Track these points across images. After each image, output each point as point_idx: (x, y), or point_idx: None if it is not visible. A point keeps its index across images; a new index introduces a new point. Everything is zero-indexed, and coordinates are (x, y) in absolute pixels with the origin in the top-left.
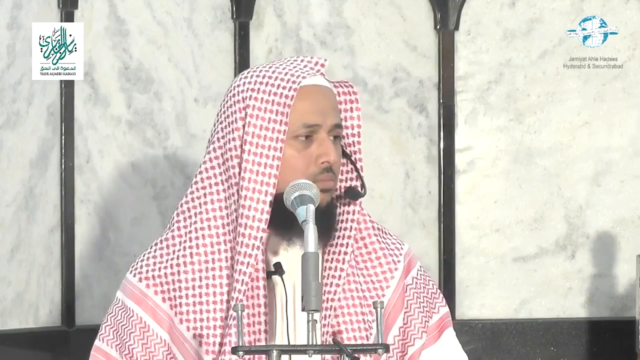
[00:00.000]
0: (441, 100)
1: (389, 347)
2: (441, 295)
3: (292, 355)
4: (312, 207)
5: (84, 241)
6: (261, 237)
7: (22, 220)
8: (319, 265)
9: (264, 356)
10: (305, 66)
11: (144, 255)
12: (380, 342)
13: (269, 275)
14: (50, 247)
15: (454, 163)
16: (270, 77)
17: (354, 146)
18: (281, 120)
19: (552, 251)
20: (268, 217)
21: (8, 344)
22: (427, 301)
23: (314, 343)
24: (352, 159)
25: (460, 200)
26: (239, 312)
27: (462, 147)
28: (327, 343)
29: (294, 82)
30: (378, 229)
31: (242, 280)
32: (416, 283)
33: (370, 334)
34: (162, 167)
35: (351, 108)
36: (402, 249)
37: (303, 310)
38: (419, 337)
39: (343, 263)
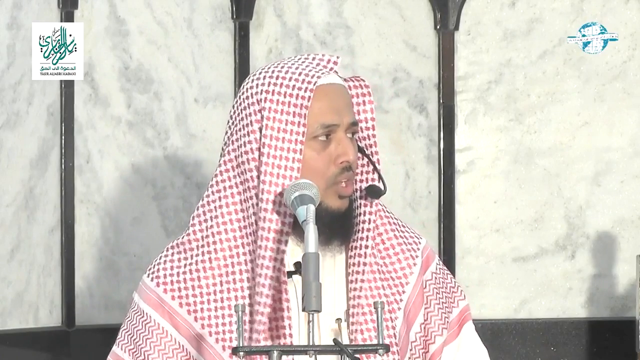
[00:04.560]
0: (441, 100)
1: (389, 348)
2: (460, 288)
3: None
4: (312, 207)
5: (84, 241)
6: (285, 241)
7: (22, 220)
8: (321, 265)
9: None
10: (318, 64)
11: (160, 258)
12: (380, 343)
13: (288, 275)
14: (50, 247)
15: (454, 163)
16: (284, 78)
17: (369, 139)
18: (299, 122)
19: (552, 251)
20: (292, 220)
21: (8, 344)
22: (446, 296)
23: (316, 343)
24: (368, 152)
25: (460, 200)
26: (240, 312)
27: (462, 147)
28: (328, 343)
29: (309, 82)
30: (394, 223)
31: (269, 284)
32: (436, 278)
33: (397, 332)
34: (162, 167)
35: (364, 102)
36: (419, 243)
37: (304, 310)
38: (439, 335)
39: (365, 257)
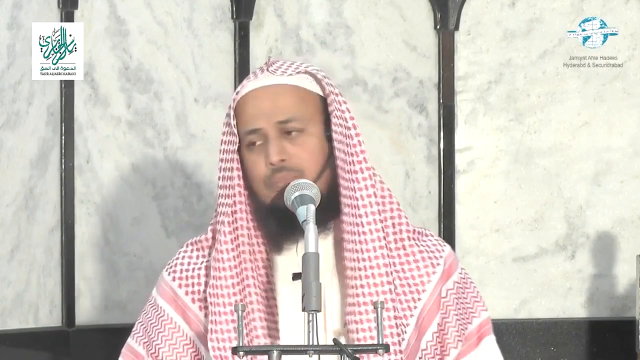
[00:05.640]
0: (441, 100)
1: (389, 348)
2: (482, 298)
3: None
4: (312, 207)
5: (84, 241)
6: (260, 251)
7: (22, 220)
8: (319, 265)
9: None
10: (253, 72)
11: (179, 254)
12: (380, 343)
13: (295, 277)
14: (50, 247)
15: (454, 163)
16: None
17: (353, 129)
18: (230, 132)
19: (552, 251)
20: (234, 235)
21: (8, 344)
22: (467, 306)
23: (316, 343)
24: (347, 142)
25: (460, 200)
26: (240, 312)
27: (462, 147)
28: (328, 343)
29: (235, 94)
30: (418, 232)
31: (256, 300)
32: (457, 288)
33: (403, 338)
34: (162, 167)
35: (338, 92)
36: (442, 251)
37: (303, 310)
38: (454, 347)
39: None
